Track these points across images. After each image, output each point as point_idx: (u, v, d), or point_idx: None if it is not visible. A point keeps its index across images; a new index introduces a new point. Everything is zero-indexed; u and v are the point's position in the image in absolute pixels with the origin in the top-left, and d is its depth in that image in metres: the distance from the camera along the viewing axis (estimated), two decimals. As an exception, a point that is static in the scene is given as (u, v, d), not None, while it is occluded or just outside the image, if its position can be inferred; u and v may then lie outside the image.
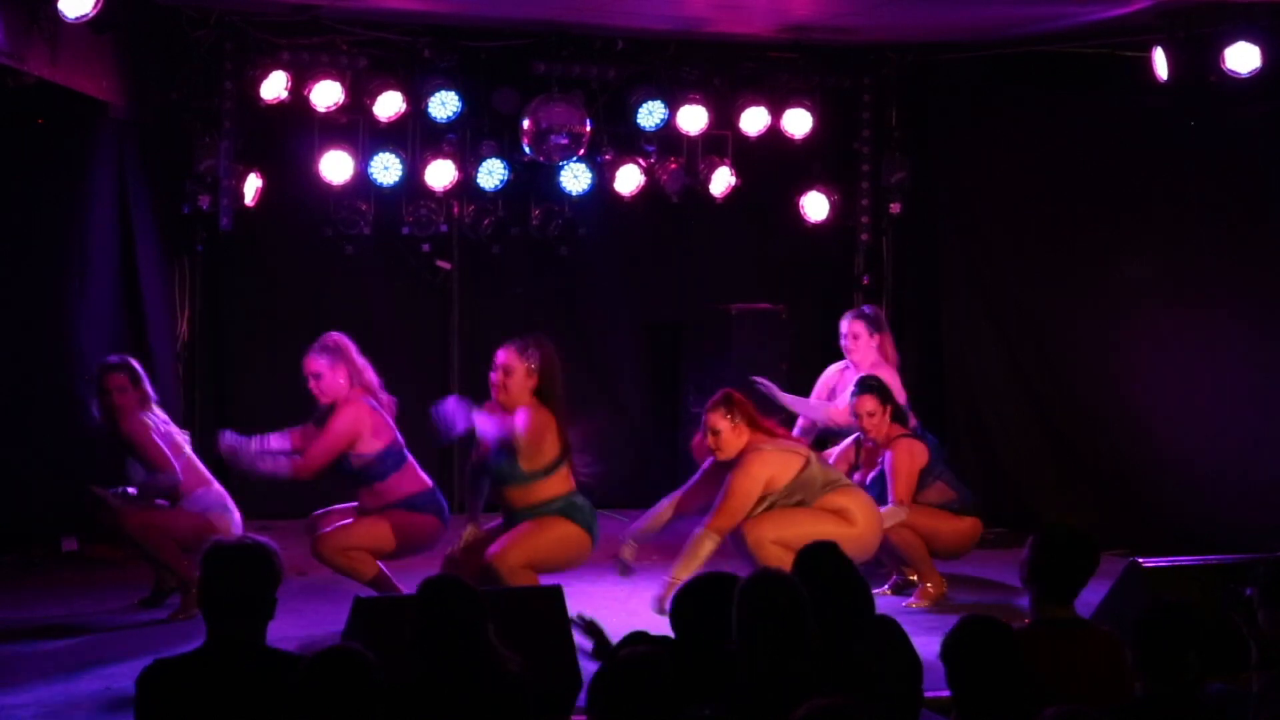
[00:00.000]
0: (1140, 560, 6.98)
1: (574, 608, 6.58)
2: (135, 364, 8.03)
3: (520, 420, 7.32)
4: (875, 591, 8.26)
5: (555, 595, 6.46)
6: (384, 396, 7.80)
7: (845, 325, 9.09)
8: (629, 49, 10.43)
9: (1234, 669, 4.69)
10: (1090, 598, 5.92)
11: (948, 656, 4.31)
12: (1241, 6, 8.70)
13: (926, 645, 4.64)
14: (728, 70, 10.73)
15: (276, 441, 7.70)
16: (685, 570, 7.13)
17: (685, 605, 4.86)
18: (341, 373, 7.66)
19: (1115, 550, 8.49)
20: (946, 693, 4.39)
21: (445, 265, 10.87)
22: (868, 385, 8.34)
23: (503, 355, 7.45)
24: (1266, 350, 9.35)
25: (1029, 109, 10.56)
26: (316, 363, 7.67)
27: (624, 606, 7.90)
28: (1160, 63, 9.02)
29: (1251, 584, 4.91)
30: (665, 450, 11.24)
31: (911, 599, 8.18)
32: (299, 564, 7.92)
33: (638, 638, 4.78)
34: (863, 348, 9.01)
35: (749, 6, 9.58)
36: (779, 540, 7.21)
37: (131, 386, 7.90)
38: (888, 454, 8.24)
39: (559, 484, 7.42)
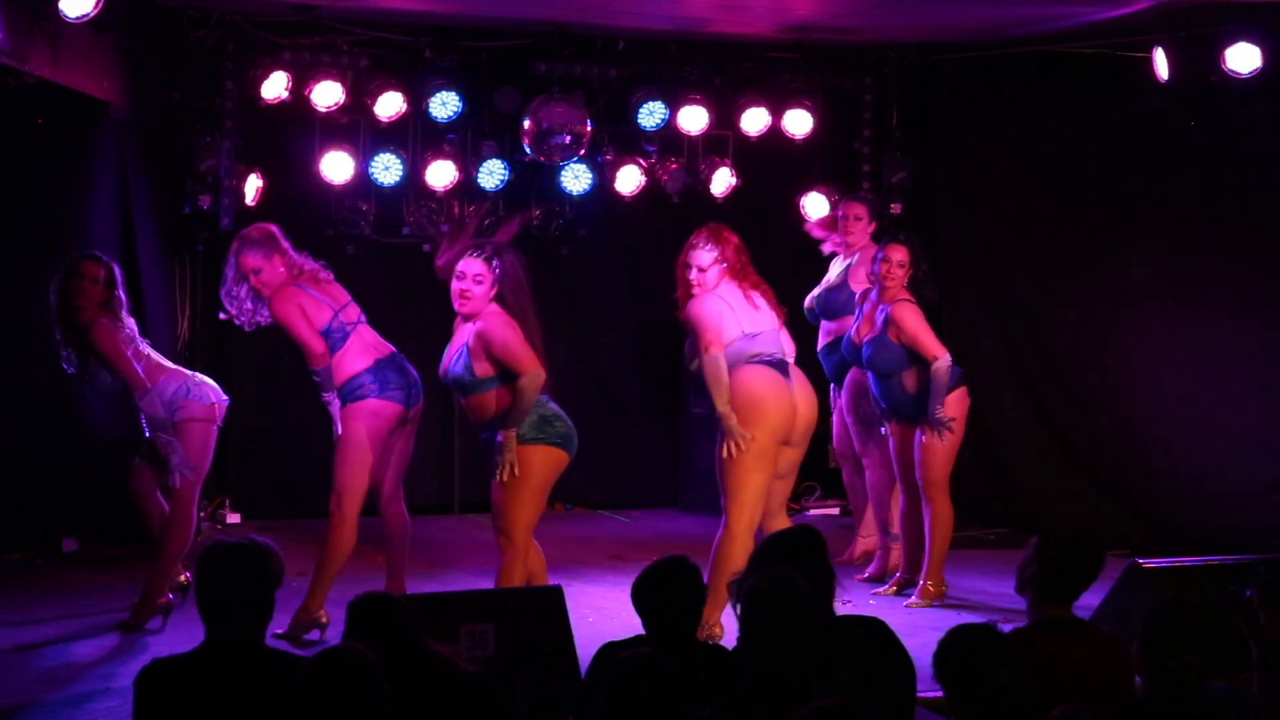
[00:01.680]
0: (1140, 560, 6.98)
1: (574, 608, 6.60)
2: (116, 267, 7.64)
3: (483, 323, 7.15)
4: (877, 591, 8.37)
5: (555, 595, 6.47)
6: (325, 276, 7.62)
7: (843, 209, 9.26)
8: (630, 49, 10.43)
9: (1234, 669, 4.69)
10: (1090, 598, 5.93)
11: (940, 669, 4.29)
12: (1242, 6, 8.70)
13: (926, 645, 4.63)
14: (728, 70, 10.73)
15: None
16: (720, 398, 7.26)
17: (645, 595, 4.89)
18: (279, 262, 7.49)
19: (1115, 550, 8.49)
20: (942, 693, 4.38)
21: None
22: (904, 239, 8.30)
23: (471, 265, 7.28)
24: (1266, 350, 9.35)
25: (1029, 109, 10.56)
26: (252, 258, 7.46)
27: (624, 607, 7.88)
28: (1161, 63, 9.02)
29: (1251, 584, 4.91)
30: (665, 451, 11.24)
31: (912, 598, 8.18)
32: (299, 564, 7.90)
33: (613, 649, 4.83)
34: (861, 230, 9.22)
35: (749, 6, 9.58)
36: (745, 546, 7.09)
37: (104, 284, 7.50)
38: (892, 315, 8.11)
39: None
